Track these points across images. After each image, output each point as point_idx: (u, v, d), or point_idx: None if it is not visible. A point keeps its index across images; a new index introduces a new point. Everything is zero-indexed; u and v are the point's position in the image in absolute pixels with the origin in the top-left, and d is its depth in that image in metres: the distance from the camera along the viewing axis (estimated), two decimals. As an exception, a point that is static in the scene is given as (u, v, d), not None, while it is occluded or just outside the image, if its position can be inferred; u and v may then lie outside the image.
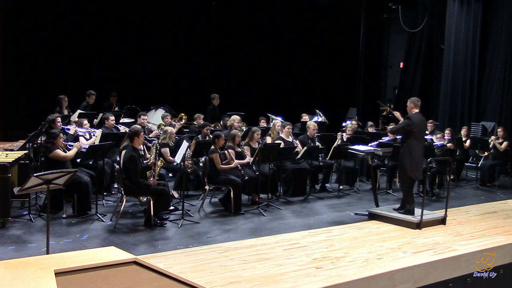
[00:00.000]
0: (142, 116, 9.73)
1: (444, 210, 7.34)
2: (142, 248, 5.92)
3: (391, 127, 7.78)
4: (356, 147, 8.27)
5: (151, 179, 6.96)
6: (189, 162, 8.40)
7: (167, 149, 8.26)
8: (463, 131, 11.25)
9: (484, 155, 11.18)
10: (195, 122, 10.70)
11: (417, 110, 7.30)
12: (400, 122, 7.49)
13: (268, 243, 6.14)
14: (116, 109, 11.96)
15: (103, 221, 6.95)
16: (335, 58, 16.59)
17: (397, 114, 7.85)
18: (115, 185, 8.52)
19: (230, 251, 5.77)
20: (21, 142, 9.03)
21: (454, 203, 8.60)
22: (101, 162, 7.82)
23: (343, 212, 8.03)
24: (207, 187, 7.97)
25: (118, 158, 7.60)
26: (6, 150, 7.90)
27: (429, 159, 7.69)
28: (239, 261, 5.43)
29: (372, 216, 7.50)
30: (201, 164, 8.58)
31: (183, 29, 14.31)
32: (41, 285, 2.72)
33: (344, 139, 9.86)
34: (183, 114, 10.90)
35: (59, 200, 7.23)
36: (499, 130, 11.13)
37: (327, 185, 9.70)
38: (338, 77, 16.61)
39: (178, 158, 7.55)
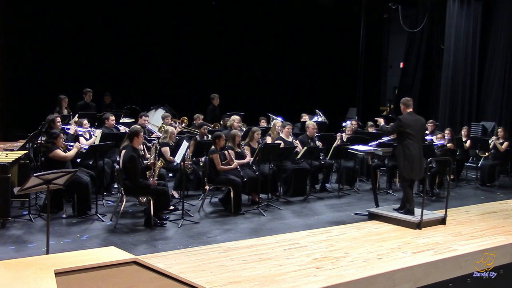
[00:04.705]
0: (143, 117, 9.64)
1: (444, 210, 7.34)
2: (142, 248, 5.92)
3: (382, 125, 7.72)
4: (356, 147, 8.26)
5: (151, 179, 6.96)
6: (189, 163, 8.39)
7: (167, 148, 8.26)
8: (463, 131, 11.24)
9: (484, 155, 11.17)
10: (194, 122, 10.69)
11: (410, 110, 7.24)
12: (391, 124, 7.45)
13: (268, 243, 6.14)
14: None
15: (103, 221, 6.95)
16: (335, 58, 16.59)
17: (379, 120, 7.84)
18: (115, 185, 8.52)
19: (230, 251, 5.77)
20: (21, 142, 9.03)
21: (454, 203, 8.60)
22: (101, 162, 7.82)
23: (343, 212, 8.03)
24: (207, 187, 7.97)
25: (118, 158, 7.60)
26: (6, 150, 7.89)
27: (429, 159, 7.67)
28: (239, 261, 5.43)
29: (372, 216, 7.49)
30: (201, 164, 8.58)
31: (183, 29, 14.30)
32: (41, 285, 2.71)
33: (344, 139, 9.87)
34: (184, 118, 10.87)
35: (59, 200, 7.23)
36: (499, 130, 11.12)
37: (327, 185, 9.70)
38: (338, 77, 16.61)
39: (178, 158, 7.54)
